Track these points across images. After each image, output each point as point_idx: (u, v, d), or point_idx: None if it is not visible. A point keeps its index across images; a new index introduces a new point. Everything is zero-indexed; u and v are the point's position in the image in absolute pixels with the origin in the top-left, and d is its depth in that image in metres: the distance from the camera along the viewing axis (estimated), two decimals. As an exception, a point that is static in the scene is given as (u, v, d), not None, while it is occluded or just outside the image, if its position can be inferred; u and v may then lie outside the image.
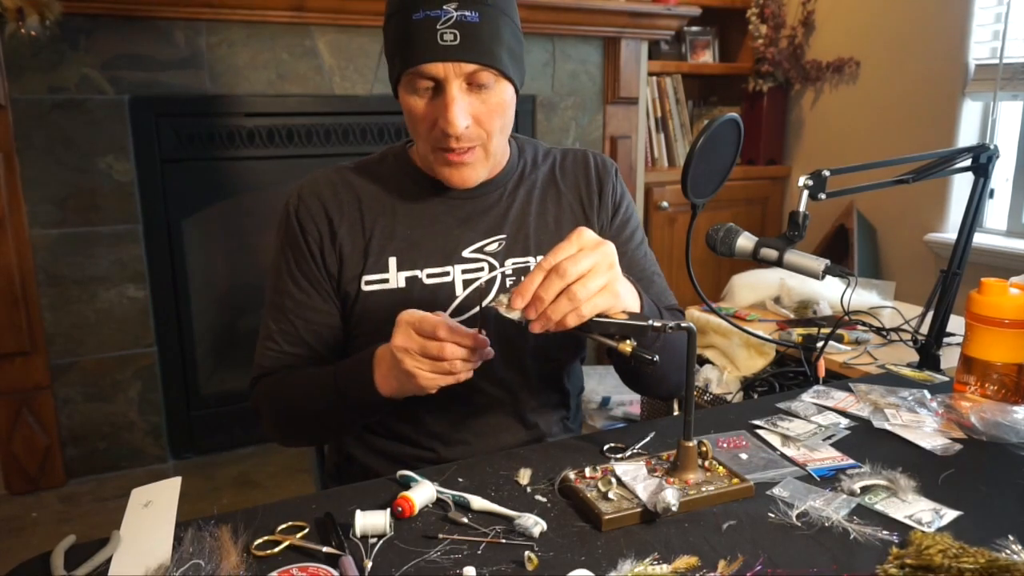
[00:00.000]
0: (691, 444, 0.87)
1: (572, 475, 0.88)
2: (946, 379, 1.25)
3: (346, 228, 1.08)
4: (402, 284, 1.07)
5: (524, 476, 0.91)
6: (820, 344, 1.45)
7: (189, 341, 2.53)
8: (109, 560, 0.75)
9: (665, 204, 3.27)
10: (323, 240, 1.07)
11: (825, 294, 2.07)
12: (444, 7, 0.93)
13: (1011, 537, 0.76)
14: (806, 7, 3.32)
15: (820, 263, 1.14)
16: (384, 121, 2.66)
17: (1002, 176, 2.81)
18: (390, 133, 2.67)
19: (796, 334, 1.83)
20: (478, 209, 1.11)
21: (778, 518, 0.82)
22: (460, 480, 0.91)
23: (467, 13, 0.94)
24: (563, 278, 0.80)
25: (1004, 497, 0.87)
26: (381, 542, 0.78)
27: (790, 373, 1.84)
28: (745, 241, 1.19)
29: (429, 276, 1.07)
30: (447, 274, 1.08)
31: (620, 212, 1.18)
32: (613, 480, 0.87)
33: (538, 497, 0.87)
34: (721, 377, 2.02)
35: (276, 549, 0.77)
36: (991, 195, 2.80)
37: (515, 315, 0.82)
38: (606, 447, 0.99)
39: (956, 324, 1.49)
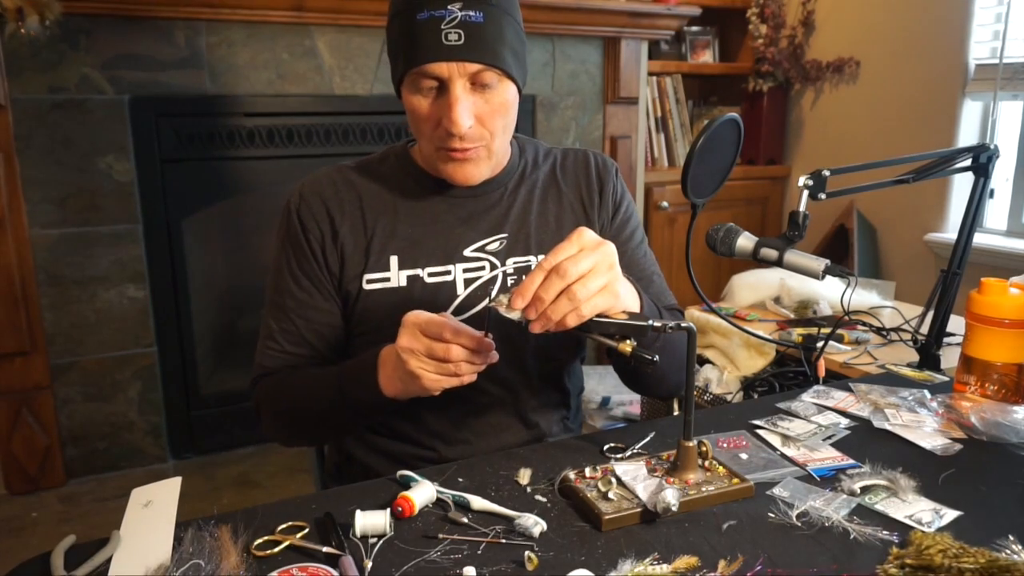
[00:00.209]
0: (691, 444, 0.87)
1: (572, 475, 0.88)
2: (946, 379, 1.25)
3: (348, 227, 1.08)
4: (403, 283, 1.07)
5: (524, 476, 0.91)
6: (820, 344, 1.45)
7: (189, 341, 2.52)
8: (109, 560, 0.75)
9: (665, 204, 3.27)
10: (324, 239, 1.07)
11: (825, 294, 2.07)
12: (449, 7, 0.93)
13: (1011, 537, 0.76)
14: (806, 7, 3.32)
15: (820, 263, 1.14)
16: (384, 121, 2.66)
17: (1002, 176, 2.80)
18: (390, 133, 2.67)
19: (796, 334, 1.83)
20: (479, 208, 1.11)
21: (778, 518, 0.82)
22: (460, 480, 0.91)
23: (471, 13, 0.94)
24: (563, 278, 0.80)
25: (1004, 497, 0.87)
26: (381, 542, 0.78)
27: (790, 373, 1.84)
28: (745, 241, 1.19)
29: (430, 275, 1.07)
30: (448, 273, 1.08)
31: (620, 212, 1.18)
32: (613, 480, 0.87)
33: (538, 497, 0.87)
34: (721, 377, 2.02)
35: (276, 549, 0.77)
36: (991, 195, 2.80)
37: (515, 315, 0.82)
38: (606, 447, 0.99)
39: (956, 324, 1.49)
